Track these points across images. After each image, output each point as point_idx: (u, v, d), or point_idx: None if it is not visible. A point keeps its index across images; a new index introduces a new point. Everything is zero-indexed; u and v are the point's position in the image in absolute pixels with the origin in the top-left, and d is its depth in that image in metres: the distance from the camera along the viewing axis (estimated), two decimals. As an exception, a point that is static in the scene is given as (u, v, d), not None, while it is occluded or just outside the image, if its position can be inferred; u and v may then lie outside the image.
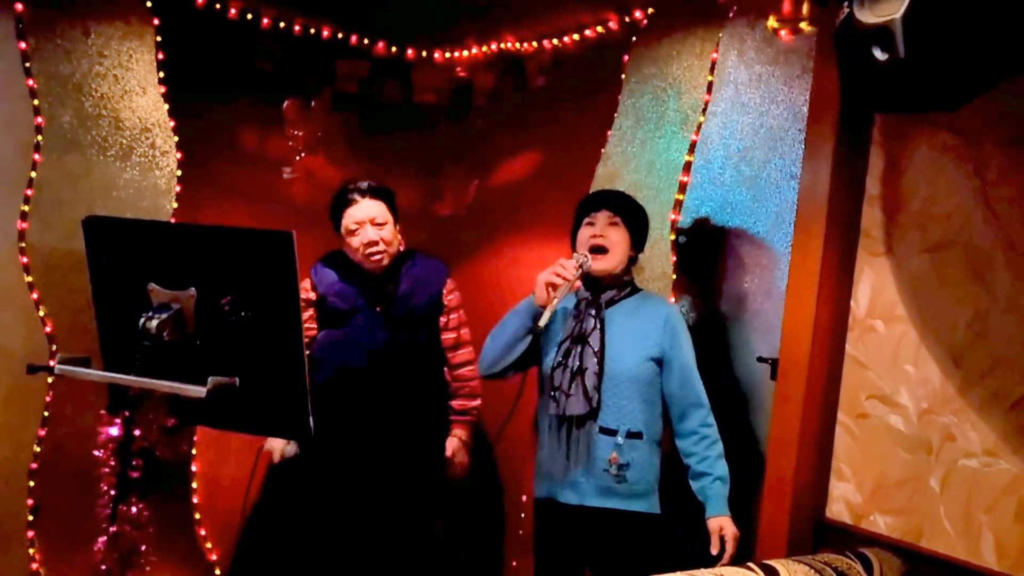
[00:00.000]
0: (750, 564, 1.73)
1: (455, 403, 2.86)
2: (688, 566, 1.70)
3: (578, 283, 2.25)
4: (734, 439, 2.39)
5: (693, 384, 2.24)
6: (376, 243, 2.64)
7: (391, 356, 2.69)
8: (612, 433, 2.21)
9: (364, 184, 2.68)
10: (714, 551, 2.14)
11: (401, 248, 2.77)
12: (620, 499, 2.22)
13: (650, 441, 2.25)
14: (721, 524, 2.15)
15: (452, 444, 2.85)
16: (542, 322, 2.10)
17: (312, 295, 2.74)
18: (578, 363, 2.23)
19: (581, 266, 2.20)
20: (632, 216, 2.33)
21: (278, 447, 2.70)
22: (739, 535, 2.15)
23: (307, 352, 2.70)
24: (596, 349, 2.22)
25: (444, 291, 2.80)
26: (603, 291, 2.31)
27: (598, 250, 2.27)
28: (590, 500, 2.24)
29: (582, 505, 2.25)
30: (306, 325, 2.72)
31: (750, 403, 2.38)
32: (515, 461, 3.23)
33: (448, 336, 2.82)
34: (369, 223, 2.64)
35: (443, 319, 2.81)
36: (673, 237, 2.62)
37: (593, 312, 2.28)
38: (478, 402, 2.88)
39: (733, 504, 2.20)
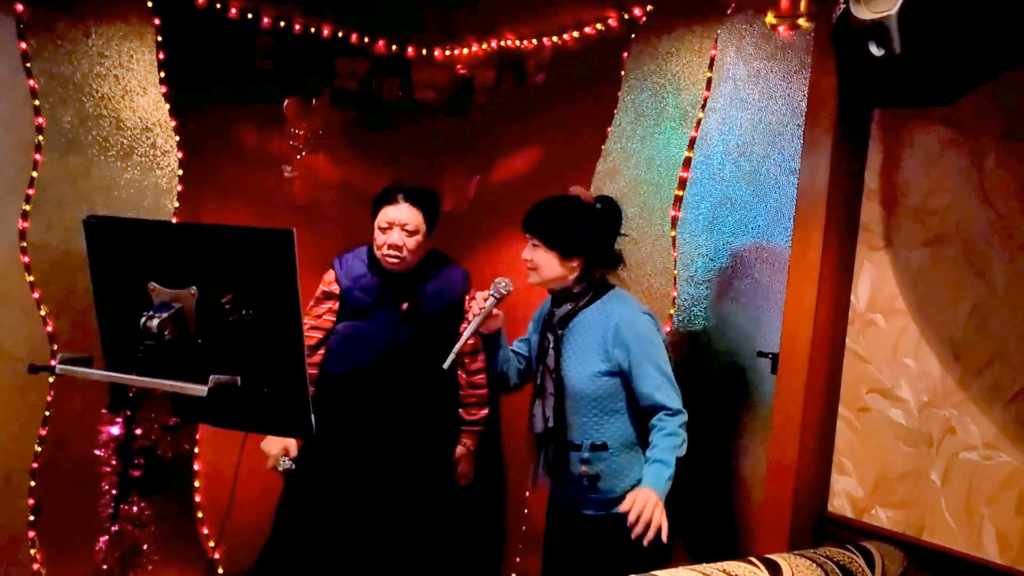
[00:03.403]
0: (752, 558, 1.73)
1: (464, 412, 2.87)
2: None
3: (497, 312, 2.22)
4: (735, 434, 2.40)
5: (646, 390, 2.13)
6: (399, 248, 2.65)
7: (407, 353, 2.71)
8: (577, 448, 2.21)
9: (409, 187, 2.70)
10: (622, 509, 1.97)
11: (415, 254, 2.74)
12: (596, 507, 2.23)
13: (620, 449, 2.20)
14: (636, 493, 1.98)
15: (458, 452, 2.86)
16: (446, 364, 2.16)
17: (335, 287, 2.76)
18: (540, 382, 2.28)
19: (495, 295, 2.18)
20: (551, 234, 2.22)
21: (274, 453, 2.59)
22: (648, 514, 1.93)
23: (325, 343, 2.73)
24: (552, 369, 2.25)
25: (467, 298, 2.82)
26: (559, 305, 2.28)
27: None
28: (570, 508, 2.28)
29: (570, 511, 2.29)
30: (324, 317, 2.75)
31: (751, 398, 2.38)
32: (519, 460, 3.24)
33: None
34: (399, 227, 2.65)
35: (463, 325, 2.81)
36: (674, 233, 2.63)
37: (549, 333, 2.29)
38: (486, 411, 2.90)
39: (736, 499, 2.20)
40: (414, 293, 2.73)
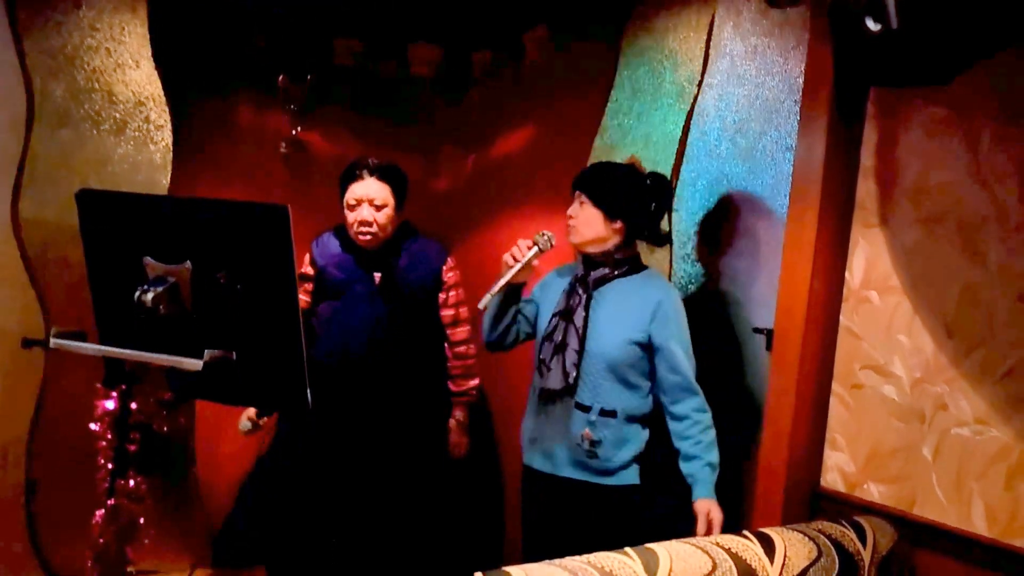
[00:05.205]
0: (745, 532, 1.75)
1: (452, 384, 2.87)
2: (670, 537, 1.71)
3: (535, 262, 2.22)
4: (730, 410, 2.41)
5: (683, 370, 2.20)
6: (369, 224, 2.65)
7: (389, 328, 2.71)
8: (586, 410, 2.23)
9: (373, 162, 2.68)
10: (700, 532, 2.14)
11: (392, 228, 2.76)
12: (591, 473, 2.25)
13: (626, 420, 2.24)
14: (708, 507, 2.15)
15: (450, 425, 2.87)
16: (481, 304, 2.19)
17: (309, 269, 2.78)
18: (561, 338, 2.26)
19: (539, 246, 2.19)
20: (600, 192, 2.26)
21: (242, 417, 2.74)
22: (724, 519, 2.15)
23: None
24: (578, 327, 2.24)
25: (444, 268, 2.82)
26: (594, 268, 2.31)
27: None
28: (562, 470, 2.28)
29: (554, 474, 2.29)
30: (302, 299, 2.75)
31: (747, 373, 2.39)
32: (515, 433, 3.25)
33: (447, 313, 2.84)
34: (368, 202, 2.64)
35: (442, 296, 2.83)
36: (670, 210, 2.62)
37: (581, 290, 2.29)
38: (476, 381, 2.90)
39: (730, 475, 2.22)
40: (389, 266, 2.74)
